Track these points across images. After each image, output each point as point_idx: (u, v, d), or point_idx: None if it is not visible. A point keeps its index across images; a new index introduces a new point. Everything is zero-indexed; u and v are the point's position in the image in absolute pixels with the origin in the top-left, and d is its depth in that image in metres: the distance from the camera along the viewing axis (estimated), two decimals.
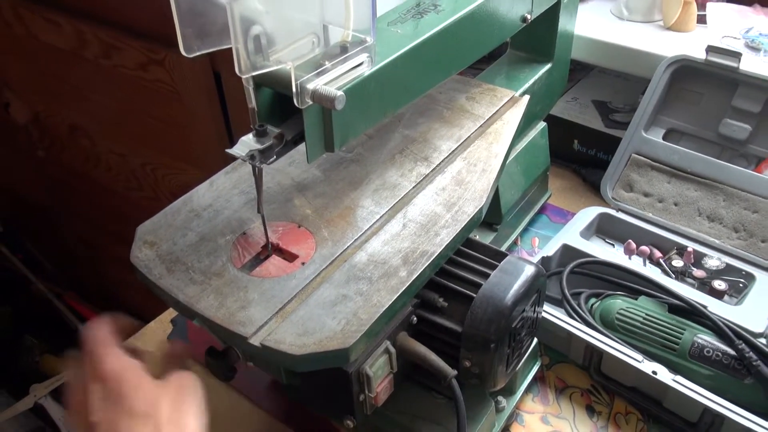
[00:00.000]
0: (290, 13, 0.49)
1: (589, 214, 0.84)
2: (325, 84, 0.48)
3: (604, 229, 0.84)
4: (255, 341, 0.47)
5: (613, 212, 0.84)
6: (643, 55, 0.89)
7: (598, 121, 0.99)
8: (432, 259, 0.53)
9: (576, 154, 1.00)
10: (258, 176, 0.52)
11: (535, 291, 0.59)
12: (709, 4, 0.93)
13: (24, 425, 1.36)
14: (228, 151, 0.49)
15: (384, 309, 0.49)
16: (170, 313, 0.81)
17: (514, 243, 0.88)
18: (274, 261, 0.54)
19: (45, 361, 1.59)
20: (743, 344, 0.64)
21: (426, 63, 0.59)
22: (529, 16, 0.73)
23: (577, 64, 1.01)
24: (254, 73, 0.45)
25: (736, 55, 0.79)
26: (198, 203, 0.60)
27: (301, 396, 0.64)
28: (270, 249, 0.55)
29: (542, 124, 0.88)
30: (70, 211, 1.49)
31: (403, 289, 0.51)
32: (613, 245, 0.83)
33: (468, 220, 0.57)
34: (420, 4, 0.63)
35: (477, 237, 0.80)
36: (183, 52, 0.45)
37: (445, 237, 0.55)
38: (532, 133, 0.86)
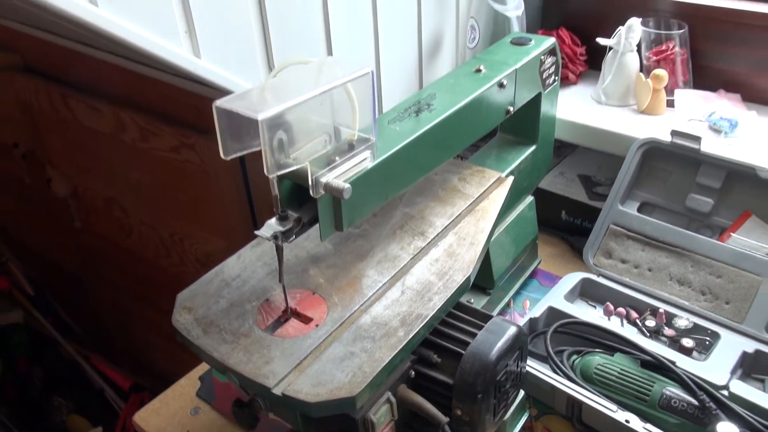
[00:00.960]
0: (309, 118, 0.61)
1: (573, 279, 0.93)
2: (335, 177, 0.59)
3: (586, 292, 0.94)
4: (277, 391, 0.57)
5: (594, 277, 0.93)
6: (618, 137, 1.00)
7: (583, 193, 1.09)
8: (426, 320, 0.63)
9: (564, 223, 1.10)
10: (280, 252, 0.63)
11: (517, 348, 0.68)
12: (677, 91, 1.04)
13: None
14: (256, 232, 0.60)
15: (385, 363, 0.59)
16: (198, 371, 0.90)
17: (507, 305, 0.97)
18: (293, 323, 0.64)
19: (71, 421, 1.68)
20: (704, 395, 0.72)
21: (420, 154, 0.71)
22: (511, 109, 0.85)
23: (563, 142, 1.13)
24: (279, 173, 0.56)
25: (697, 139, 0.90)
26: (228, 274, 0.71)
27: None
28: (289, 313, 0.65)
29: (530, 198, 0.98)
30: (101, 277, 1.60)
31: (401, 346, 0.60)
32: (594, 307, 0.93)
33: (457, 287, 0.67)
34: (416, 104, 0.75)
35: (471, 300, 0.90)
36: (222, 156, 0.56)
37: (437, 302, 0.65)
38: (521, 207, 0.96)
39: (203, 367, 0.90)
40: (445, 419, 0.64)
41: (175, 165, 1.11)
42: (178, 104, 1.04)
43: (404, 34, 1.07)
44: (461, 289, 0.68)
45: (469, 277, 0.69)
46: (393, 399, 0.63)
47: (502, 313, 0.95)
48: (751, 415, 0.71)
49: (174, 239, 1.26)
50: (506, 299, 0.96)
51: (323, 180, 0.58)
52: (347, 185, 0.58)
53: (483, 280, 0.91)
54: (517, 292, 0.99)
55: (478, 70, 0.82)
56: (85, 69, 1.17)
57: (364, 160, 0.63)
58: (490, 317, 0.70)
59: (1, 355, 1.78)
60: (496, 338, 0.66)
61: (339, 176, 0.60)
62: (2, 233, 2.02)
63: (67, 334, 1.86)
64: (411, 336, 0.61)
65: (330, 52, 0.95)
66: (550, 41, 0.90)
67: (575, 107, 1.08)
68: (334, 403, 0.56)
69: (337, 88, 0.60)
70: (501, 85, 0.81)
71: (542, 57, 0.89)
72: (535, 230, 1.00)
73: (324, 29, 0.93)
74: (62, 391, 1.72)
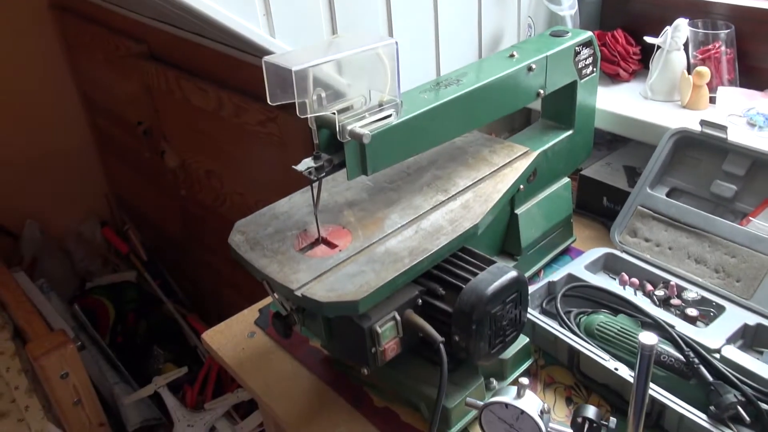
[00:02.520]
0: (347, 81, 0.75)
1: (597, 252, 1.01)
2: (360, 126, 0.73)
3: (609, 265, 1.01)
4: (298, 293, 0.71)
5: (617, 253, 1.01)
6: (655, 127, 1.07)
7: (624, 182, 1.16)
8: (429, 254, 0.75)
9: (605, 209, 1.17)
10: (316, 187, 0.77)
11: (514, 290, 0.78)
12: (720, 88, 1.09)
13: (143, 412, 1.66)
14: (294, 167, 0.74)
15: (387, 280, 0.71)
16: (259, 304, 1.06)
17: (537, 275, 1.06)
18: (321, 248, 0.78)
19: (166, 369, 1.90)
20: (690, 351, 0.79)
21: (443, 121, 0.83)
22: (542, 92, 0.95)
23: (616, 136, 1.20)
24: (310, 115, 0.70)
25: (723, 128, 0.96)
26: (279, 210, 0.86)
27: (337, 351, 0.86)
28: (320, 240, 0.79)
29: (566, 180, 1.07)
30: (200, 243, 1.82)
31: (404, 269, 0.73)
32: (614, 279, 1.00)
33: (463, 231, 0.78)
34: (448, 79, 0.87)
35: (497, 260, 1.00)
36: (269, 101, 0.71)
37: (442, 241, 0.77)
38: (556, 186, 1.05)
39: (265, 302, 1.05)
40: (440, 339, 0.75)
41: (260, 137, 1.29)
42: (262, 83, 1.21)
43: (464, 31, 1.19)
44: (467, 234, 0.79)
45: (477, 225, 0.80)
46: (399, 318, 0.75)
47: (531, 281, 1.04)
48: (732, 371, 0.76)
49: (258, 206, 1.43)
50: (535, 268, 1.05)
51: (348, 127, 0.72)
52: (367, 131, 0.71)
53: (512, 246, 1.00)
54: (548, 265, 1.08)
55: (512, 56, 0.93)
56: (194, 55, 1.38)
57: (388, 117, 0.76)
58: (493, 262, 0.80)
59: (115, 307, 2.05)
60: (494, 278, 0.77)
61: (364, 126, 0.73)
62: (125, 204, 2.32)
63: (170, 295, 2.11)
64: (414, 263, 0.73)
65: None
66: (587, 34, 0.99)
67: (623, 102, 1.15)
68: (341, 305, 0.69)
69: (370, 56, 0.74)
70: (530, 69, 0.91)
71: (577, 48, 0.98)
72: (569, 209, 1.08)
73: (387, 21, 1.07)
74: (162, 343, 1.95)
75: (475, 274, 0.78)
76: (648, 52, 1.20)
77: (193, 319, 2.03)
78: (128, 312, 2.06)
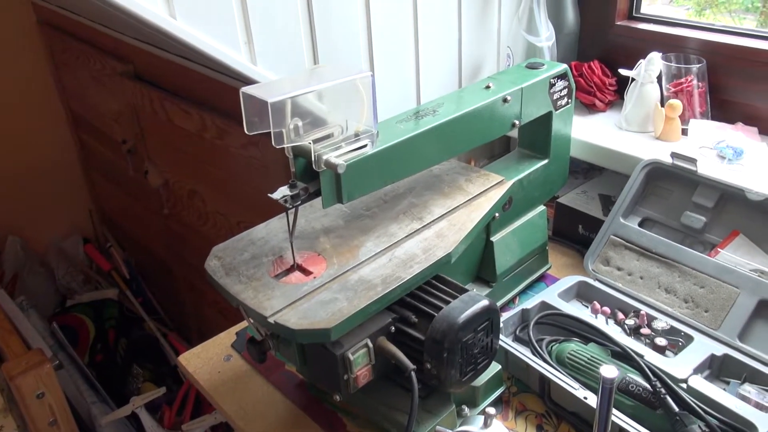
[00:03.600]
0: (324, 111, 0.76)
1: (570, 280, 1.03)
2: (336, 156, 0.74)
3: (582, 293, 1.03)
4: (271, 320, 0.72)
5: (590, 281, 1.02)
6: (628, 158, 1.09)
7: (599, 210, 1.18)
8: (402, 282, 0.76)
9: (580, 236, 1.19)
10: (291, 215, 0.78)
11: (486, 319, 0.79)
12: (692, 120, 1.12)
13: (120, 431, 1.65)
14: (269, 195, 0.76)
15: (360, 308, 0.72)
16: (236, 327, 1.06)
17: (512, 301, 1.07)
18: (296, 274, 0.79)
19: (146, 388, 1.89)
20: (657, 381, 0.80)
21: (418, 150, 0.84)
22: (517, 122, 0.97)
23: (592, 165, 1.23)
24: (286, 145, 0.72)
25: (693, 161, 0.98)
26: (256, 235, 0.87)
27: (310, 377, 0.87)
28: (295, 267, 0.80)
29: (542, 208, 1.09)
30: (182, 261, 1.83)
31: (377, 298, 0.74)
32: (587, 307, 1.01)
33: (436, 260, 0.80)
34: (425, 109, 0.89)
35: (474, 289, 1.02)
36: (246, 131, 0.73)
37: (416, 269, 0.78)
38: (532, 214, 1.07)
39: (242, 325, 1.06)
40: (412, 366, 0.76)
41: (242, 160, 1.30)
42: None
43: (445, 60, 1.22)
44: (440, 263, 0.80)
45: (449, 254, 0.82)
46: (371, 345, 0.76)
47: (506, 307, 1.06)
48: (697, 402, 0.78)
49: (240, 227, 1.44)
50: (510, 295, 1.06)
51: (324, 157, 0.73)
52: (342, 161, 0.73)
53: (487, 273, 1.02)
54: (524, 292, 1.09)
55: (488, 87, 0.95)
56: (178, 77, 1.40)
57: (364, 147, 0.78)
58: (465, 291, 0.81)
59: (96, 325, 2.04)
60: (465, 306, 0.78)
61: (339, 156, 0.75)
62: (108, 221, 2.32)
63: (152, 313, 2.10)
64: (386, 291, 0.74)
65: (373, 71, 1.11)
66: (561, 67, 1.01)
67: (598, 132, 1.18)
68: (313, 332, 0.70)
69: (348, 87, 0.76)
70: (505, 100, 0.93)
71: (552, 80, 1.00)
72: (544, 237, 1.10)
73: (368, 52, 1.09)
74: (141, 361, 1.94)
75: (447, 302, 0.79)
76: (624, 83, 1.23)
77: (174, 337, 2.02)
78: (108, 330, 2.06)
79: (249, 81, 0.98)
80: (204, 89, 1.35)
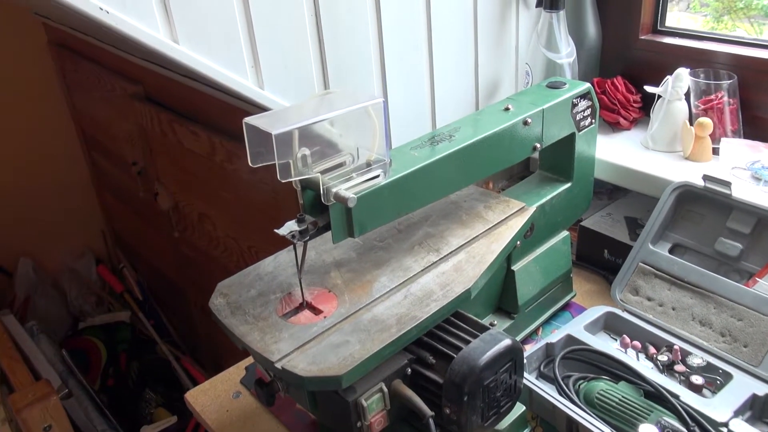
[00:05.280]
0: (335, 138, 0.72)
1: (597, 311, 0.97)
2: (346, 189, 0.70)
3: (610, 325, 0.97)
4: (278, 365, 0.67)
5: (619, 312, 0.97)
6: (657, 180, 1.03)
7: (626, 234, 1.12)
8: (418, 322, 0.71)
9: (606, 261, 1.13)
10: (300, 251, 0.73)
11: (509, 359, 0.74)
12: (723, 139, 1.06)
13: None
14: (276, 231, 0.71)
15: (373, 352, 0.67)
16: (246, 362, 1.02)
17: (535, 333, 1.02)
18: (305, 313, 0.74)
19: (158, 414, 1.85)
20: (695, 426, 0.74)
21: (433, 179, 0.79)
22: (539, 145, 0.92)
23: (617, 186, 1.17)
24: (290, 180, 0.67)
25: (727, 184, 0.92)
26: (263, 270, 0.82)
27: (323, 420, 0.82)
28: (304, 305, 0.75)
29: (565, 233, 1.03)
30: (194, 284, 1.79)
31: (391, 340, 0.69)
32: (615, 339, 0.95)
33: (455, 297, 0.75)
34: (440, 134, 0.85)
35: (495, 322, 0.97)
36: (250, 164, 0.68)
37: (433, 308, 0.73)
38: (554, 240, 1.02)
39: (250, 359, 1.01)
40: (430, 413, 0.71)
41: (252, 184, 1.26)
42: None
43: (460, 79, 1.17)
44: (459, 299, 0.75)
45: (469, 290, 0.76)
46: (386, 390, 0.71)
47: (528, 339, 1.00)
48: None
49: (251, 252, 1.40)
50: (533, 326, 1.01)
51: (333, 189, 0.69)
52: (352, 195, 0.68)
53: (508, 304, 0.97)
54: (547, 322, 1.04)
55: (507, 109, 0.90)
56: (187, 99, 1.36)
57: (376, 177, 0.73)
58: (487, 329, 0.76)
59: (108, 348, 2.01)
60: (487, 347, 0.73)
61: (350, 188, 0.70)
62: (121, 242, 2.29)
63: (165, 336, 2.07)
64: (402, 333, 0.69)
65: (386, 94, 1.07)
66: (584, 86, 0.96)
67: (623, 151, 1.12)
68: (323, 379, 0.65)
69: (359, 114, 0.71)
70: (525, 123, 0.88)
71: (574, 100, 0.95)
72: (568, 264, 1.04)
73: (380, 73, 1.05)
74: (154, 386, 1.91)
75: (467, 342, 0.74)
76: (648, 99, 1.17)
77: (187, 361, 1.98)
78: (120, 353, 2.02)
79: (257, 105, 0.94)
80: (213, 111, 1.31)
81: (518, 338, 0.99)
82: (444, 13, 1.08)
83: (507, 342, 0.74)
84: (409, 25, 1.05)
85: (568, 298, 1.06)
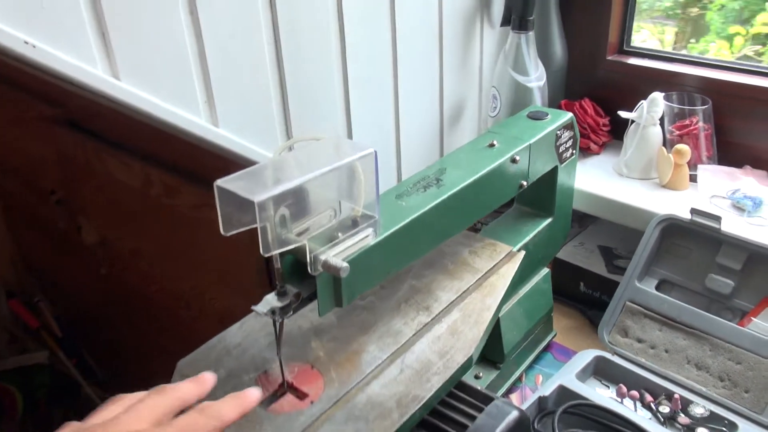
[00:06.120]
0: (314, 194, 0.62)
1: (586, 356, 0.91)
2: (334, 255, 0.60)
3: (600, 370, 0.91)
4: None
5: (608, 356, 0.91)
6: (638, 211, 0.99)
7: (602, 266, 1.07)
8: (422, 402, 0.62)
9: (582, 295, 1.08)
10: (277, 327, 0.63)
11: None
12: (700, 166, 1.03)
13: None
14: (253, 308, 0.60)
15: None
16: None
17: (519, 380, 0.95)
18: (288, 398, 0.63)
19: None
20: None
21: (426, 230, 0.71)
22: (525, 183, 0.85)
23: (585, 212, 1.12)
24: (276, 252, 0.57)
25: (717, 219, 0.88)
26: (230, 341, 0.71)
27: None
28: (285, 387, 0.65)
29: (545, 270, 0.97)
30: (125, 323, 1.63)
31: (394, 429, 0.59)
32: (608, 387, 0.90)
33: (457, 367, 0.66)
34: (426, 178, 0.76)
35: (480, 374, 0.89)
36: (222, 232, 0.57)
37: (435, 383, 0.64)
38: (536, 279, 0.95)
39: None
40: None
41: (196, 222, 1.13)
42: (201, 164, 1.06)
43: (425, 102, 1.09)
44: (462, 370, 0.67)
45: (471, 357, 0.68)
46: None
47: (513, 388, 0.93)
48: None
49: (194, 292, 1.27)
50: (517, 373, 0.94)
51: (322, 258, 0.59)
52: (345, 264, 0.58)
53: (493, 354, 0.89)
54: (530, 367, 0.97)
55: (491, 145, 0.82)
56: (119, 125, 1.21)
57: (366, 237, 0.63)
58: (491, 399, 0.68)
59: (24, 394, 1.81)
60: (495, 422, 0.65)
61: (338, 254, 0.60)
62: (37, 274, 2.08)
63: (90, 378, 1.88)
64: (405, 419, 0.60)
65: (349, 121, 0.97)
66: (567, 116, 0.90)
67: (597, 179, 1.07)
68: None
69: (344, 166, 0.61)
70: (513, 161, 0.81)
71: (558, 132, 0.88)
72: (549, 303, 0.98)
73: (343, 97, 0.95)
74: None
75: (472, 417, 0.66)
76: (617, 122, 1.13)
77: None
78: (39, 399, 1.82)
79: (210, 144, 0.82)
80: (147, 139, 1.17)
81: (504, 388, 0.92)
82: (409, 36, 1.00)
83: (515, 414, 0.66)
84: (374, 50, 0.96)
85: (549, 338, 1.00)
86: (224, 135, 0.81)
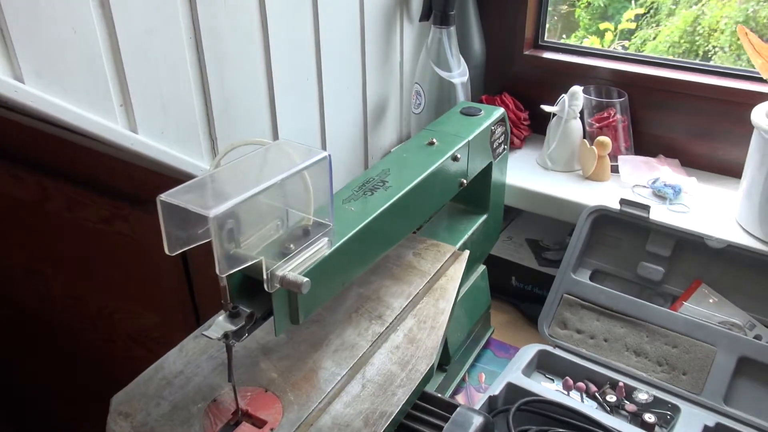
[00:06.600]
0: (259, 204, 0.56)
1: (529, 351, 0.91)
2: (291, 269, 0.55)
3: (544, 364, 0.91)
4: None
5: (550, 349, 0.91)
6: (567, 203, 1.00)
7: (532, 259, 1.08)
8: (391, 418, 0.59)
9: (514, 289, 1.08)
10: (229, 352, 0.57)
11: None
12: (620, 157, 1.06)
13: None
14: (204, 333, 0.54)
15: None
16: None
17: (463, 380, 0.93)
18: (245, 428, 0.58)
19: None
20: None
21: (378, 235, 0.67)
22: (464, 181, 0.83)
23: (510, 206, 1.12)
24: (231, 272, 0.51)
25: (646, 208, 0.91)
26: (169, 370, 0.64)
27: None
28: (240, 415, 0.59)
29: (482, 267, 0.96)
30: (20, 350, 1.48)
31: None
32: (552, 380, 0.90)
33: (421, 377, 0.63)
34: (370, 181, 0.72)
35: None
36: (167, 251, 0.51)
37: (401, 396, 0.61)
38: (474, 277, 0.94)
39: None
40: None
41: (105, 237, 1.03)
42: (110, 173, 0.97)
43: (349, 102, 1.05)
44: (425, 379, 0.64)
45: (432, 366, 0.65)
46: None
47: (458, 388, 0.92)
48: None
49: (102, 313, 1.17)
50: (462, 374, 0.92)
51: (279, 273, 0.54)
52: (306, 279, 0.54)
53: (440, 356, 0.87)
54: (472, 365, 0.96)
55: (431, 143, 0.80)
56: (7, 132, 1.09)
57: (321, 248, 0.59)
58: (455, 407, 0.66)
59: None
60: (463, 431, 0.63)
61: (295, 267, 0.56)
62: None
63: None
64: None
65: (275, 121, 0.91)
66: (500, 111, 0.89)
67: (522, 172, 1.08)
68: None
69: (297, 173, 0.56)
70: (455, 159, 0.79)
71: (492, 127, 0.88)
72: (488, 300, 0.97)
73: (268, 97, 0.90)
74: None
75: (437, 427, 0.63)
76: (536, 115, 1.14)
77: None
78: None
79: (128, 151, 0.74)
80: (44, 148, 1.06)
81: (451, 389, 0.90)
82: (333, 37, 0.96)
83: (480, 420, 0.64)
84: (299, 52, 0.91)
85: (488, 335, 1.00)
86: (143, 141, 0.74)
